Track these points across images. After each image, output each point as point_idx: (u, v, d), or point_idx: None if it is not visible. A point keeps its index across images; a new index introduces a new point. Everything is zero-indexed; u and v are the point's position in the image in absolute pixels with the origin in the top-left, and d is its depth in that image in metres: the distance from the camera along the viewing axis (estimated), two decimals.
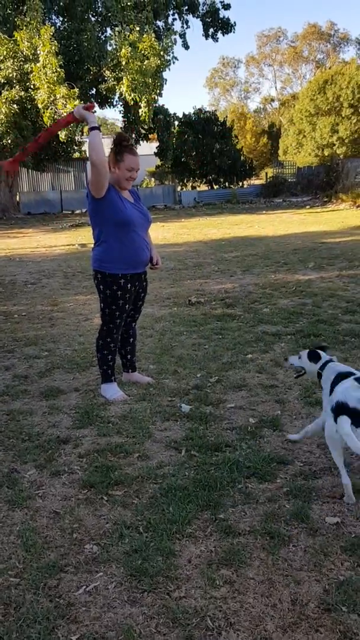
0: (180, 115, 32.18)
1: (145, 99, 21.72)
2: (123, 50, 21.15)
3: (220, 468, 3.10)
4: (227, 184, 34.00)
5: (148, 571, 2.33)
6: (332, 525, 2.59)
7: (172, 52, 22.98)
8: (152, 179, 39.70)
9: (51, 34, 20.40)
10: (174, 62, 24.15)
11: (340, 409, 2.69)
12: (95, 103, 3.83)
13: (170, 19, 28.52)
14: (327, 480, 2.97)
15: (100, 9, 24.65)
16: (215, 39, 29.28)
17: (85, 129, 29.59)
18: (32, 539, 2.58)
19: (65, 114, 20.14)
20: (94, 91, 25.97)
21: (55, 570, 2.38)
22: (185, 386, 4.35)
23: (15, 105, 21.45)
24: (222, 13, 28.80)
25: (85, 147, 32.24)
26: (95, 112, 3.92)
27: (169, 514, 2.70)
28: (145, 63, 21.23)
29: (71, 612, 2.15)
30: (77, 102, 20.02)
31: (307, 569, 2.32)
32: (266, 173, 38.20)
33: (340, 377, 2.94)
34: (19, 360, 5.24)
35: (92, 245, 4.16)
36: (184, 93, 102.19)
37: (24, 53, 21.00)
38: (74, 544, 2.55)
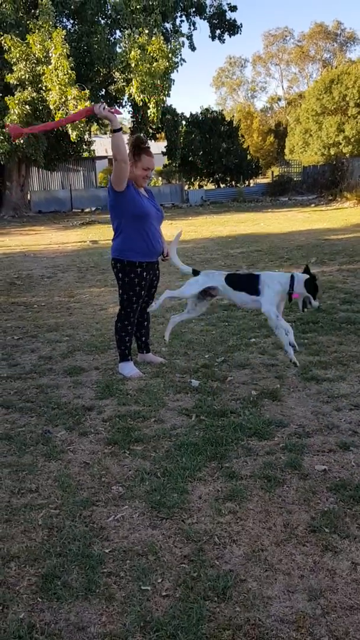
0: (188, 115, 32.67)
1: (154, 100, 22.21)
2: (132, 52, 21.64)
3: (225, 429, 3.58)
4: (233, 182, 34.45)
5: (166, 504, 2.81)
6: (320, 471, 3.07)
7: (180, 54, 23.44)
8: (160, 178, 40.21)
9: (63, 37, 20.91)
10: (181, 64, 24.60)
11: None
12: (120, 110, 4.23)
13: (177, 21, 28.99)
14: (317, 439, 3.44)
15: (109, 12, 25.13)
16: (222, 41, 29.74)
17: (94, 128, 29.95)
18: (67, 482, 3.07)
19: None
20: (103, 92, 26.48)
21: (88, 504, 2.87)
22: (194, 365, 4.83)
23: (27, 106, 21.98)
24: (229, 15, 29.24)
25: (94, 147, 32.78)
26: (121, 114, 4.35)
27: (182, 463, 3.18)
28: (154, 65, 21.70)
29: (103, 533, 2.63)
30: (87, 103, 20.52)
31: (298, 503, 2.80)
32: (272, 172, 38.63)
33: None
34: (42, 344, 5.74)
35: (109, 239, 4.66)
36: (191, 92, 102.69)
37: (36, 55, 21.51)
38: (102, 486, 3.04)
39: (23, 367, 5.04)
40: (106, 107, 4.20)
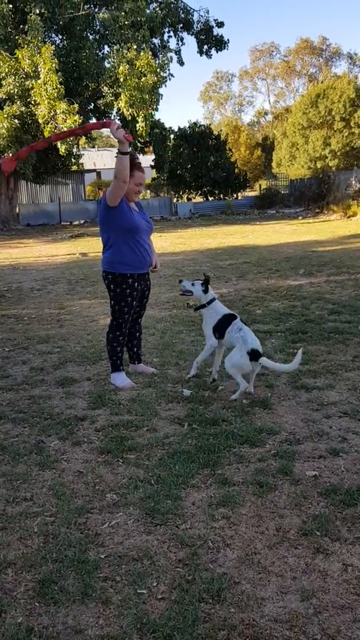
0: (176, 129, 32.98)
1: (142, 114, 22.43)
2: (121, 67, 21.88)
3: (217, 437, 3.63)
4: (222, 195, 34.73)
5: (160, 510, 2.85)
6: (311, 477, 3.13)
7: (168, 69, 23.73)
8: (149, 191, 40.44)
9: (51, 52, 21.10)
10: (169, 79, 24.90)
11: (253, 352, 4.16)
12: (131, 136, 4.19)
13: (165, 37, 29.32)
14: (308, 446, 3.51)
15: (98, 28, 25.41)
16: (209, 56, 30.07)
17: (82, 142, 30.02)
18: (62, 491, 3.11)
19: (65, 128, 20.80)
20: (92, 106, 26.70)
21: (83, 511, 2.90)
22: (186, 375, 4.89)
23: (16, 120, 22.09)
24: (216, 30, 29.58)
25: (82, 160, 32.92)
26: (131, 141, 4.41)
27: (175, 470, 3.23)
28: (142, 80, 21.95)
29: (98, 539, 2.67)
30: (76, 117, 20.68)
31: (290, 508, 2.85)
32: (260, 185, 39.03)
33: (227, 318, 4.53)
34: (33, 355, 5.77)
35: (99, 251, 4.73)
36: (179, 107, 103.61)
37: (25, 70, 21.68)
38: (97, 494, 3.07)
39: (15, 378, 5.07)
40: (123, 130, 4.23)
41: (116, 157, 4.35)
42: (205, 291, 4.68)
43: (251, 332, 4.42)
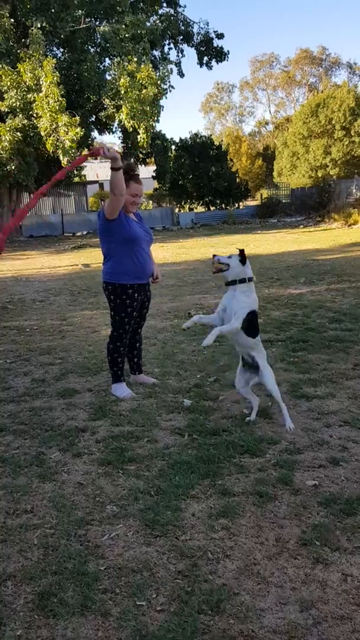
0: (177, 140, 33.21)
1: (144, 126, 22.55)
2: (122, 79, 22.03)
3: (218, 447, 3.63)
4: (223, 205, 34.86)
5: (160, 522, 2.85)
6: (310, 486, 3.13)
7: (169, 81, 23.89)
8: (150, 202, 40.63)
9: (53, 65, 21.29)
10: (170, 91, 25.07)
11: None
12: (120, 151, 4.23)
13: (166, 49, 29.60)
14: (308, 455, 3.50)
15: (99, 41, 25.62)
16: (210, 67, 30.32)
17: (84, 153, 30.26)
18: (62, 502, 3.11)
19: (66, 140, 20.95)
20: (94, 119, 26.87)
21: (83, 523, 2.90)
22: (186, 385, 4.89)
23: (18, 133, 22.25)
24: (216, 42, 29.86)
25: (85, 172, 33.14)
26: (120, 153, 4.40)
27: (176, 481, 3.23)
28: (143, 92, 22.10)
29: (99, 551, 2.67)
30: (78, 129, 20.82)
31: (289, 518, 2.85)
32: (261, 194, 39.14)
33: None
34: (35, 367, 5.78)
35: (101, 262, 4.76)
36: (180, 118, 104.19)
37: (27, 83, 21.85)
38: (97, 505, 3.08)
39: (16, 390, 5.09)
40: (110, 148, 4.27)
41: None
42: (243, 263, 4.06)
43: None
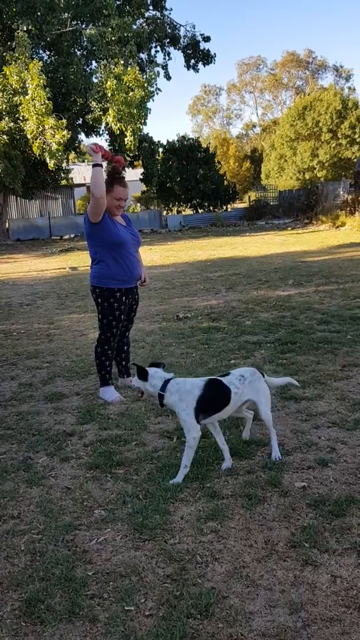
0: (165, 143, 33.16)
1: (131, 129, 22.57)
2: (108, 82, 22.04)
3: (206, 450, 3.62)
4: (211, 208, 34.87)
5: (148, 526, 2.83)
6: (299, 488, 3.12)
7: (156, 84, 23.93)
8: (138, 204, 40.58)
9: (39, 68, 21.24)
10: (157, 93, 25.06)
11: None
12: (102, 147, 4.23)
13: (152, 52, 29.66)
14: (296, 457, 3.50)
15: (85, 44, 25.62)
16: (197, 70, 30.43)
17: (72, 156, 30.14)
18: (49, 507, 3.08)
19: (53, 143, 20.89)
20: (80, 121, 26.82)
21: (71, 528, 2.88)
22: None
23: (5, 136, 22.18)
24: (203, 45, 29.99)
25: (72, 175, 33.03)
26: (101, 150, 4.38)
27: (164, 485, 3.21)
28: (130, 95, 22.11)
29: (86, 557, 2.64)
30: (64, 132, 20.78)
31: (278, 520, 2.84)
32: (249, 197, 39.22)
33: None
34: (22, 371, 5.74)
35: (89, 265, 4.72)
36: (167, 120, 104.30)
37: (13, 86, 21.79)
38: (85, 510, 3.05)
39: (3, 394, 5.04)
40: (91, 145, 4.29)
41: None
42: (144, 378, 3.39)
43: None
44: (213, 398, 3.31)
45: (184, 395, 3.27)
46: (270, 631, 2.10)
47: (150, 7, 29.55)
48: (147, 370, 3.38)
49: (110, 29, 23.68)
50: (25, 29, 22.65)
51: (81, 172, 45.09)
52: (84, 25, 26.00)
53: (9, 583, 2.46)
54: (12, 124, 22.28)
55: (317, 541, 2.63)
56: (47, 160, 21.85)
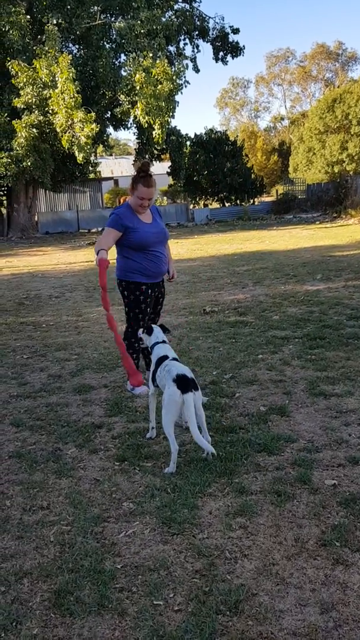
0: (192, 136, 33.06)
1: (159, 122, 22.52)
2: (137, 75, 22.01)
3: (234, 445, 3.59)
4: (238, 201, 34.67)
5: (176, 520, 2.82)
6: (330, 486, 3.08)
7: (184, 77, 23.82)
8: (165, 198, 40.54)
9: (68, 61, 21.32)
10: (185, 86, 24.94)
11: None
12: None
13: (181, 44, 29.46)
14: (327, 454, 3.45)
15: (114, 37, 25.61)
16: (225, 62, 30.16)
17: (100, 150, 30.24)
18: (78, 499, 3.09)
19: (82, 136, 20.96)
20: (109, 115, 26.88)
21: (100, 520, 2.89)
22: (202, 382, 4.85)
23: (34, 130, 22.34)
24: (232, 37, 29.69)
25: (100, 168, 33.16)
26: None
27: (192, 479, 3.20)
28: (158, 88, 22.05)
29: (115, 549, 2.65)
30: (93, 125, 20.84)
31: (308, 517, 2.80)
32: (277, 190, 38.87)
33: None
34: (51, 362, 5.79)
35: (115, 259, 4.73)
36: (195, 113, 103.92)
37: (43, 80, 21.92)
38: (113, 502, 3.06)
39: (32, 385, 5.09)
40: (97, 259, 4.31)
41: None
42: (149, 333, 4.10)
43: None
44: None
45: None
46: (301, 630, 2.08)
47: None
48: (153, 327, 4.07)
49: (139, 22, 23.63)
50: (55, 22, 22.76)
51: (109, 166, 45.31)
52: (113, 19, 26.00)
53: (38, 574, 2.48)
54: (41, 117, 22.43)
55: (348, 540, 2.59)
56: (76, 153, 21.95)
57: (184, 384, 3.32)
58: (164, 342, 3.96)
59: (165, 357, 3.73)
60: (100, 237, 4.59)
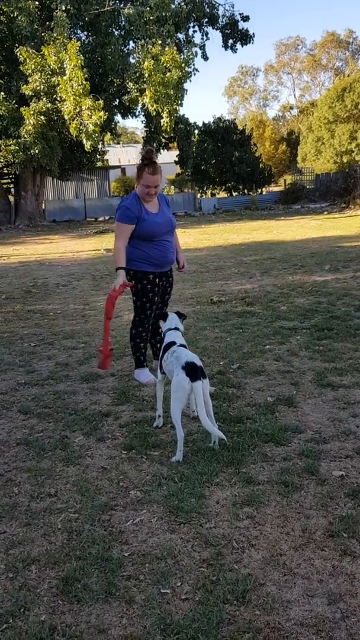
0: (200, 124, 32.86)
1: (167, 110, 22.36)
2: (146, 63, 21.84)
3: (242, 435, 3.59)
4: (246, 191, 34.51)
5: (184, 509, 2.83)
6: (337, 477, 3.07)
7: (193, 64, 23.60)
8: (172, 187, 40.38)
9: (77, 48, 21.16)
10: (194, 74, 24.73)
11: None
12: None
13: (190, 31, 29.18)
14: (334, 445, 3.44)
15: (123, 24, 25.38)
16: (235, 50, 29.86)
17: (107, 138, 30.12)
18: (86, 487, 3.10)
19: (90, 124, 20.85)
20: (117, 102, 26.72)
21: (107, 508, 2.89)
22: (209, 372, 4.83)
23: (42, 117, 22.25)
24: (241, 25, 29.35)
25: (107, 157, 33.03)
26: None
27: (199, 468, 3.20)
28: (167, 75, 21.88)
29: (122, 537, 2.65)
30: (101, 113, 20.72)
31: (316, 508, 2.80)
32: (285, 180, 38.65)
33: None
34: (58, 350, 5.79)
35: None
36: (203, 102, 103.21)
37: (51, 67, 21.79)
38: (120, 490, 3.06)
39: (40, 373, 5.10)
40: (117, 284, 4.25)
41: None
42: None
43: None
44: None
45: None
46: (308, 621, 2.08)
47: None
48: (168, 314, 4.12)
49: (148, 9, 23.41)
50: (63, 8, 22.56)
51: (116, 154, 45.11)
52: (122, 5, 25.75)
53: (46, 561, 2.49)
54: (49, 104, 22.33)
55: (355, 531, 2.59)
56: (84, 141, 21.85)
57: (193, 372, 3.32)
58: (176, 328, 3.96)
59: (172, 343, 3.72)
60: (114, 240, 4.50)
